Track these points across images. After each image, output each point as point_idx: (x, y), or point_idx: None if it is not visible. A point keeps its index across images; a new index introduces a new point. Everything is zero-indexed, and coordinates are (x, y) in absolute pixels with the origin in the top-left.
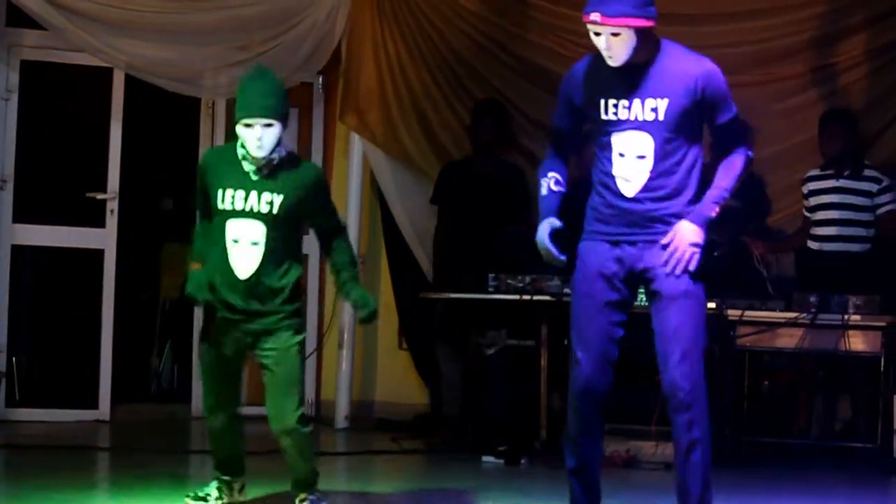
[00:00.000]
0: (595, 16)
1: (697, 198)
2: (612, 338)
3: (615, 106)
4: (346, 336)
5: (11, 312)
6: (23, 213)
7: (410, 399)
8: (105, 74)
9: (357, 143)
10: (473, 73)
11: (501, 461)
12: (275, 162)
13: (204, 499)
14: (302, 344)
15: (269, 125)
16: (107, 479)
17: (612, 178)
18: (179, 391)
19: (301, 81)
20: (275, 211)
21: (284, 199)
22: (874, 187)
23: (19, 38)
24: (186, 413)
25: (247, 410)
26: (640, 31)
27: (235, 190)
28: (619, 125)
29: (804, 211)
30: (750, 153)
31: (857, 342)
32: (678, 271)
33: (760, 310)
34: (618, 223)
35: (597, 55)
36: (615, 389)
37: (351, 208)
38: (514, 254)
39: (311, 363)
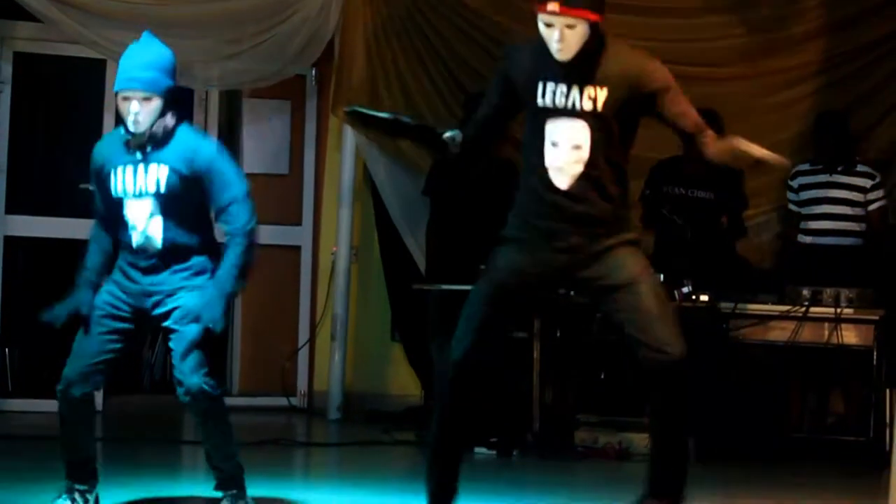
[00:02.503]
0: (553, 5)
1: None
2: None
3: (551, 91)
4: (338, 327)
5: (4, 303)
6: (16, 205)
7: (403, 391)
8: (98, 66)
9: (350, 136)
10: (466, 68)
11: (493, 453)
12: (158, 135)
13: None
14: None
15: (147, 99)
16: (100, 470)
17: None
18: (171, 382)
19: (294, 74)
20: (162, 189)
21: (169, 175)
22: (868, 183)
23: (13, 30)
24: (178, 404)
25: (235, 401)
26: (592, 26)
27: (125, 169)
28: (555, 112)
29: (791, 205)
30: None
31: (849, 335)
32: None
33: (753, 303)
34: (549, 218)
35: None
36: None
37: (343, 200)
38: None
39: (303, 354)
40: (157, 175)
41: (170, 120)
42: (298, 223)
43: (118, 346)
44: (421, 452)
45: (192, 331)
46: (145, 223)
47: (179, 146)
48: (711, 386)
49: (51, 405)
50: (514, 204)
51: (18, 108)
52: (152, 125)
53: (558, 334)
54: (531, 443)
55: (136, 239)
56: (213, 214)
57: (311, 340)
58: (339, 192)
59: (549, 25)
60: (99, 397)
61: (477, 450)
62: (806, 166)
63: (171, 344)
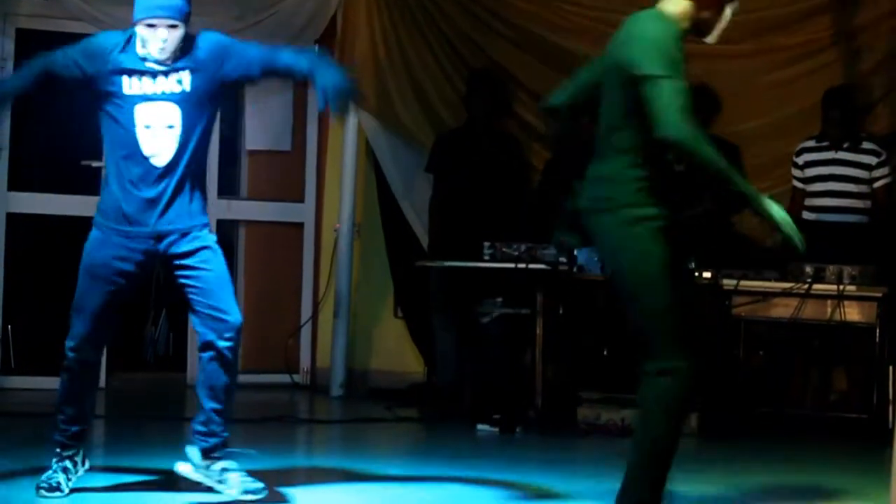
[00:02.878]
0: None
1: None
2: None
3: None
4: (341, 304)
5: (6, 280)
6: (18, 182)
7: (406, 367)
8: None
9: (352, 112)
10: (469, 43)
11: (496, 430)
12: (178, 54)
13: (57, 488)
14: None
15: (174, 26)
16: (101, 447)
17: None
18: (175, 359)
19: None
20: (187, 88)
21: (192, 77)
22: (873, 160)
23: (15, 7)
24: (182, 381)
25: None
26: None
27: (141, 76)
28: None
29: (795, 182)
30: None
31: (852, 312)
32: None
33: (755, 279)
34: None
35: None
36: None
37: (346, 177)
38: (508, 221)
39: (306, 331)
40: (179, 76)
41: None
42: (301, 200)
43: (123, 296)
44: (423, 429)
45: (220, 269)
46: (163, 128)
47: (196, 49)
48: (714, 362)
49: (52, 382)
50: (643, 183)
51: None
52: (175, 50)
53: (561, 311)
54: (534, 419)
55: (147, 143)
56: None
57: (314, 317)
58: (342, 169)
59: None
60: (102, 375)
61: (479, 426)
62: (811, 143)
63: (194, 283)
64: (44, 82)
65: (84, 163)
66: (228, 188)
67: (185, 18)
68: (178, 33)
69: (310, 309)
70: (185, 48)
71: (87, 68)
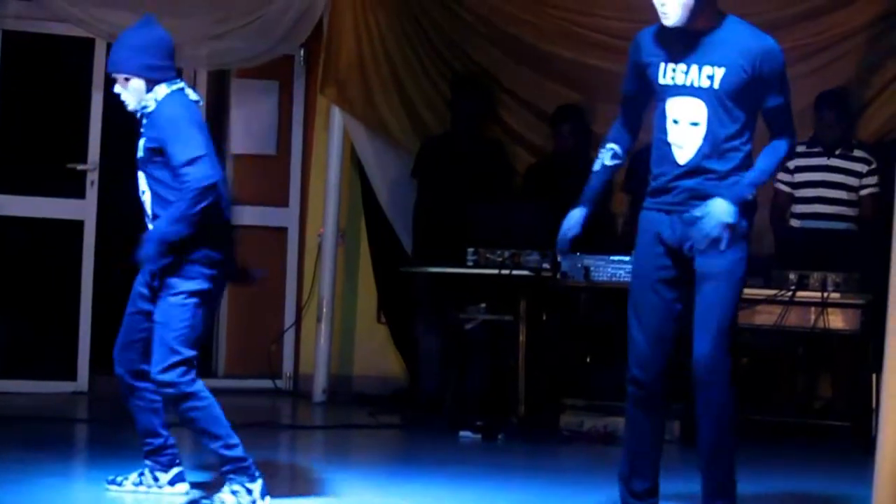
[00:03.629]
0: None
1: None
2: (670, 314)
3: (673, 70)
4: (324, 310)
5: None
6: (2, 184)
7: (389, 373)
8: (86, 45)
9: (338, 116)
10: (455, 48)
11: (479, 436)
12: (148, 109)
13: (119, 483)
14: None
15: (127, 79)
16: (84, 451)
17: (669, 145)
18: None
19: (282, 54)
20: (140, 154)
21: (144, 142)
22: (864, 168)
23: (1, 8)
24: None
25: (221, 383)
26: None
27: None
28: (674, 90)
29: (781, 185)
30: (794, 141)
31: (836, 320)
32: (705, 248)
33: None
34: (673, 192)
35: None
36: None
37: (331, 182)
38: (490, 229)
39: (289, 337)
40: (142, 144)
41: (161, 91)
42: (285, 204)
43: (146, 324)
44: (406, 435)
45: (164, 321)
46: (147, 194)
47: (153, 115)
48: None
49: (38, 386)
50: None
51: (6, 86)
52: (139, 103)
53: (544, 317)
54: (516, 426)
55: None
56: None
57: (297, 323)
58: (327, 174)
59: None
60: (85, 378)
61: (462, 433)
62: (802, 148)
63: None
64: None
65: (69, 165)
66: None
67: (137, 69)
68: (134, 85)
69: (293, 314)
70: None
71: None
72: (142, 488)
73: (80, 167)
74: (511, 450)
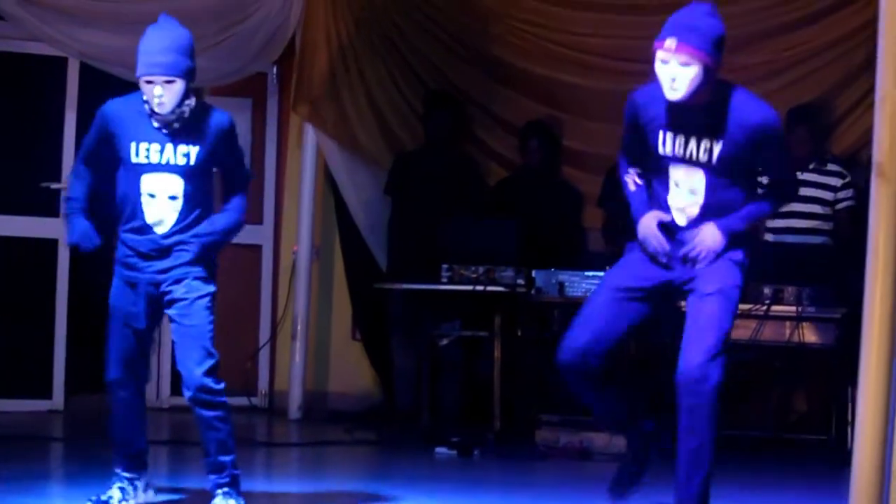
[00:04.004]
0: (670, 42)
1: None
2: (618, 324)
3: (672, 140)
4: (299, 327)
5: None
6: None
7: (364, 390)
8: (59, 63)
9: (311, 134)
10: (428, 64)
11: (454, 452)
12: (185, 115)
13: (106, 502)
14: (214, 296)
15: (171, 82)
16: (60, 470)
17: (668, 207)
18: None
19: (255, 72)
20: (192, 162)
21: (200, 149)
22: (838, 182)
23: None
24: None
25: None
26: (707, 71)
27: (150, 143)
28: (674, 160)
29: None
30: (778, 202)
31: (811, 334)
32: (689, 263)
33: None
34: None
35: (652, 89)
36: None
37: (304, 199)
38: (460, 243)
39: (264, 354)
40: (187, 150)
41: (193, 100)
42: (259, 222)
43: (149, 337)
44: (381, 452)
45: (200, 321)
46: (165, 197)
47: (207, 122)
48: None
49: (14, 405)
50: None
51: None
52: (178, 106)
53: (519, 333)
54: (492, 442)
55: (149, 211)
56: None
57: (272, 340)
58: (300, 191)
59: (664, 62)
60: (60, 397)
61: (438, 450)
62: None
63: (174, 336)
64: (92, 170)
65: (43, 185)
66: None
67: (185, 74)
68: (176, 88)
69: (268, 331)
70: (197, 118)
71: (104, 144)
72: (132, 502)
73: (53, 186)
74: (487, 466)
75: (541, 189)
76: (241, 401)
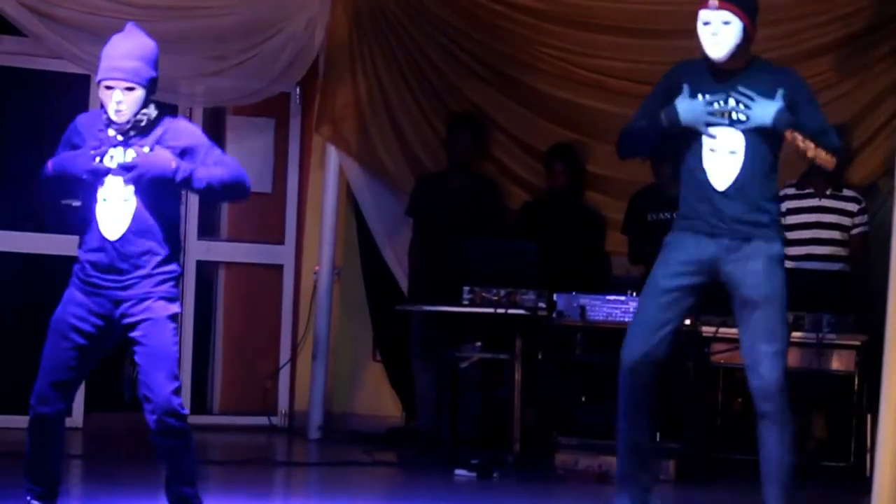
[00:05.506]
0: (713, 1)
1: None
2: (664, 321)
3: (710, 103)
4: (320, 347)
5: None
6: None
7: (384, 411)
8: (82, 81)
9: (333, 155)
10: (450, 86)
11: (474, 474)
12: (142, 124)
13: None
14: (176, 317)
15: (131, 89)
16: (79, 487)
17: (704, 171)
18: None
19: (278, 92)
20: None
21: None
22: (854, 207)
23: None
24: None
25: (216, 420)
26: (745, 32)
27: (105, 148)
28: (713, 122)
29: None
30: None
31: (831, 360)
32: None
33: (735, 326)
34: (709, 216)
35: (694, 60)
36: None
37: (327, 220)
38: (483, 266)
39: (284, 374)
40: (139, 152)
41: (153, 111)
42: (281, 242)
43: (86, 359)
44: (401, 473)
45: (161, 343)
46: (119, 201)
47: (164, 129)
48: (692, 409)
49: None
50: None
51: (1, 122)
52: (135, 115)
53: (540, 356)
54: (512, 464)
55: (103, 216)
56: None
57: (293, 360)
58: (322, 211)
59: (705, 24)
60: (79, 414)
61: (457, 471)
62: (791, 190)
63: (136, 357)
64: None
65: (64, 202)
66: (208, 229)
67: (146, 83)
68: (136, 96)
69: (288, 351)
70: (154, 127)
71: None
72: None
73: (74, 203)
74: (506, 488)
75: (565, 213)
76: (260, 420)
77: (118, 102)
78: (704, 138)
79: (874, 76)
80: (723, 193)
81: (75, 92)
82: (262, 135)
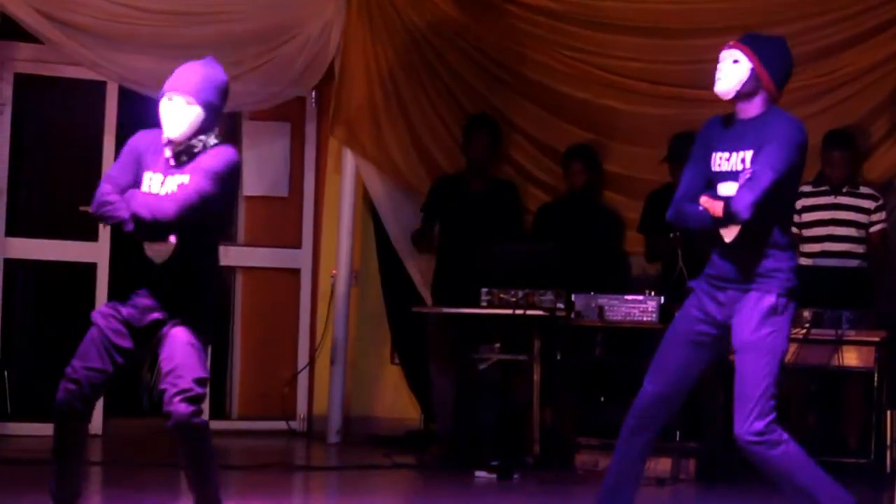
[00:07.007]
0: (731, 41)
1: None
2: (689, 372)
3: (719, 158)
4: (338, 351)
5: (4, 326)
6: (16, 227)
7: (403, 414)
8: (98, 87)
9: (350, 158)
10: (466, 88)
11: (494, 476)
12: (195, 150)
13: None
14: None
15: (191, 104)
16: (99, 494)
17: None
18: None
19: (294, 96)
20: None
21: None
22: (871, 204)
23: (13, 52)
24: None
25: (235, 424)
26: (753, 75)
27: (154, 174)
28: (721, 176)
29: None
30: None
31: (850, 357)
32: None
33: None
34: (720, 268)
35: (715, 118)
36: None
37: (344, 223)
38: (501, 268)
39: (303, 378)
40: (180, 182)
41: (212, 140)
42: (298, 246)
43: (118, 362)
44: (420, 476)
45: (182, 351)
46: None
47: (204, 158)
48: (712, 408)
49: (50, 429)
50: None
51: (18, 129)
52: (190, 136)
53: (558, 357)
54: (531, 466)
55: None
56: None
57: (311, 364)
58: (339, 215)
59: (720, 62)
60: (98, 420)
61: (477, 473)
62: (808, 188)
63: (161, 363)
64: None
65: (82, 208)
66: (225, 234)
67: (205, 104)
68: (191, 112)
69: (307, 355)
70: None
71: (127, 169)
72: None
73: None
74: (526, 489)
75: (583, 214)
76: (279, 424)
77: (173, 114)
78: (719, 188)
79: (889, 73)
80: (728, 246)
81: (92, 98)
82: (279, 139)
